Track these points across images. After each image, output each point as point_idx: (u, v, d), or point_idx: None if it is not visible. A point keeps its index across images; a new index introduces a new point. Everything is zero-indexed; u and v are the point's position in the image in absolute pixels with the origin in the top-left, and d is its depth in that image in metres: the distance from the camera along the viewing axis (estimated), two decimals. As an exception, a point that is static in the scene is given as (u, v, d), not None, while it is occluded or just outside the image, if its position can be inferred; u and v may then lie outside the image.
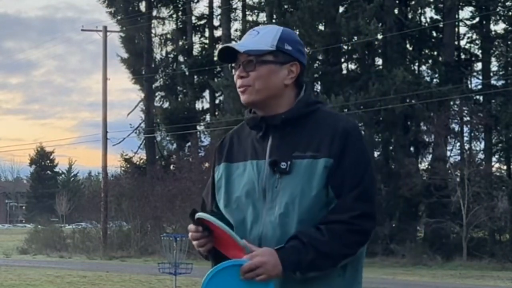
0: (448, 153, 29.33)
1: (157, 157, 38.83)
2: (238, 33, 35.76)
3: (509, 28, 30.33)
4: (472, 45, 32.62)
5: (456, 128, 30.14)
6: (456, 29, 31.89)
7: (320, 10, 28.66)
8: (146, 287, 17.13)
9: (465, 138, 30.77)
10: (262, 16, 34.30)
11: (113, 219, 34.79)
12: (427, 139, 30.67)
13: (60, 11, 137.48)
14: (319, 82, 31.73)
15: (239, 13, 37.07)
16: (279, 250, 2.48)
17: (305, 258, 2.46)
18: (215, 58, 31.18)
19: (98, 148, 39.38)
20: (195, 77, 37.79)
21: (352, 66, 33.15)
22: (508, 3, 30.39)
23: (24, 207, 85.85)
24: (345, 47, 30.92)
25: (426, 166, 31.09)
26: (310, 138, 2.59)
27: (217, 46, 34.49)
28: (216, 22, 38.21)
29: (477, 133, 30.45)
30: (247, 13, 35.87)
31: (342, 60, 31.93)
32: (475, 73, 32.79)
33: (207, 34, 38.86)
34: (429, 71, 31.98)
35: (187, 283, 15.94)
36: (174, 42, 39.00)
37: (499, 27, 32.16)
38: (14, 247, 35.31)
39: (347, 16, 28.69)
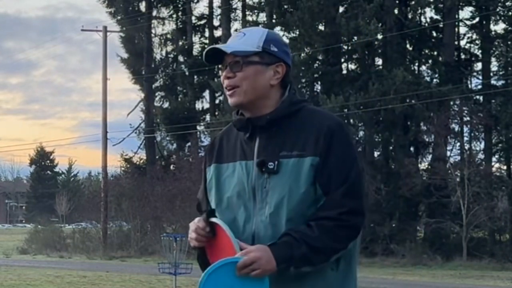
0: (448, 153, 29.36)
1: (157, 157, 38.83)
2: (238, 33, 35.74)
3: (509, 28, 30.32)
4: (472, 45, 32.64)
5: (456, 128, 30.15)
6: (456, 29, 31.89)
7: (320, 10, 28.66)
8: (146, 287, 17.13)
9: (465, 138, 30.76)
10: (262, 16, 34.31)
11: (113, 219, 34.78)
12: (427, 139, 30.65)
13: (60, 11, 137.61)
14: (319, 82, 31.75)
15: (239, 13, 37.09)
16: (272, 246, 2.54)
17: (297, 253, 2.52)
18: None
19: (98, 148, 39.39)
20: (195, 77, 37.79)
21: (352, 66, 33.15)
22: (508, 3, 30.39)
23: (24, 207, 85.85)
24: (345, 47, 30.92)
25: (426, 166, 31.08)
26: (296, 137, 2.64)
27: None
28: (216, 22, 38.24)
29: (477, 133, 30.45)
30: (247, 13, 35.85)
31: (342, 60, 31.92)
32: (475, 73, 32.80)
33: (207, 34, 38.86)
34: (429, 71, 31.98)
35: (187, 283, 15.93)
36: (174, 42, 39.01)
37: (499, 27, 32.20)
38: (14, 247, 35.29)
39: (347, 16, 28.69)
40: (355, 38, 29.37)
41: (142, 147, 38.87)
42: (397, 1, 31.18)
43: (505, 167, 30.81)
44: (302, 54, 29.91)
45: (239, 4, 36.92)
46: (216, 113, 35.53)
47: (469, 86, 31.70)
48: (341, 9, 30.46)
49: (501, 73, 30.88)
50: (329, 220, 2.56)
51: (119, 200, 33.45)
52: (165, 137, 40.42)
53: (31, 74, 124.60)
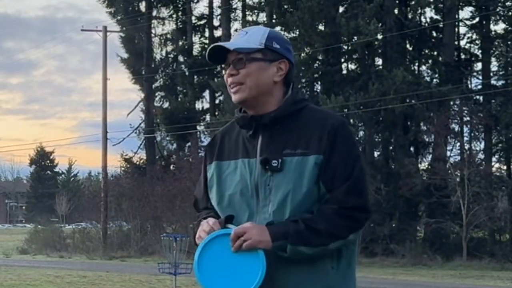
0: (448, 153, 29.34)
1: (157, 157, 38.83)
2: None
3: (509, 28, 30.32)
4: (472, 45, 32.64)
5: (456, 128, 30.14)
6: (456, 29, 31.89)
7: (320, 10, 28.65)
8: (146, 287, 17.12)
9: (465, 138, 30.76)
10: (262, 16, 34.32)
11: (113, 219, 34.76)
12: (427, 139, 30.64)
13: (60, 11, 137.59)
14: (319, 82, 31.74)
15: (239, 13, 37.09)
16: (269, 224, 2.59)
17: (293, 228, 2.54)
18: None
19: (98, 148, 39.39)
20: (195, 77, 37.79)
21: (352, 66, 33.14)
22: (508, 3, 30.39)
23: (24, 207, 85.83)
24: (345, 47, 30.91)
25: (426, 166, 31.08)
26: (299, 136, 2.65)
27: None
28: (216, 22, 38.24)
29: (477, 133, 30.44)
30: (247, 13, 35.85)
31: (342, 60, 31.92)
32: (475, 73, 32.80)
33: (207, 34, 38.86)
34: (429, 71, 31.97)
35: (187, 283, 15.93)
36: (174, 42, 39.01)
37: (499, 27, 32.25)
38: (14, 247, 35.29)
39: (347, 16, 28.69)
40: (355, 38, 29.37)
41: (142, 147, 38.90)
42: (397, 1, 31.18)
43: (505, 167, 30.81)
44: (302, 54, 29.90)
45: (239, 4, 36.95)
46: (216, 113, 35.54)
47: (469, 86, 31.71)
48: (341, 9, 30.45)
49: (501, 73, 30.88)
50: (331, 210, 2.59)
51: (119, 200, 33.45)
52: (165, 137, 40.44)
53: (31, 74, 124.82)
